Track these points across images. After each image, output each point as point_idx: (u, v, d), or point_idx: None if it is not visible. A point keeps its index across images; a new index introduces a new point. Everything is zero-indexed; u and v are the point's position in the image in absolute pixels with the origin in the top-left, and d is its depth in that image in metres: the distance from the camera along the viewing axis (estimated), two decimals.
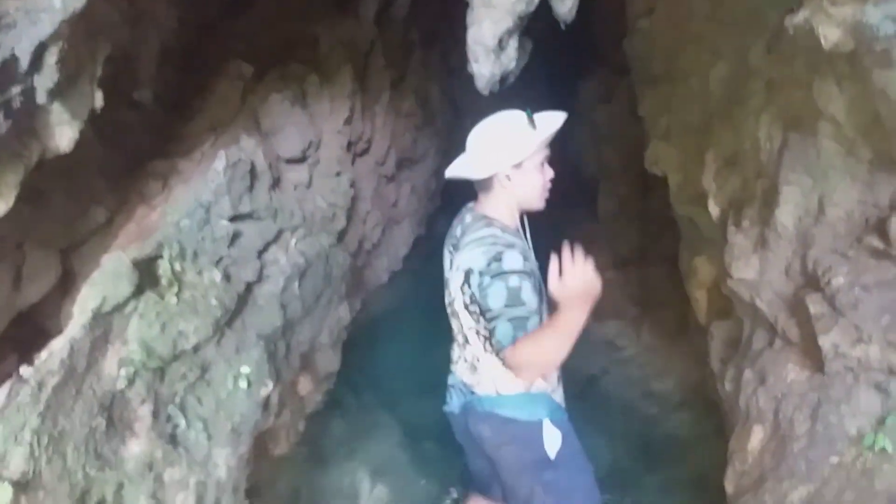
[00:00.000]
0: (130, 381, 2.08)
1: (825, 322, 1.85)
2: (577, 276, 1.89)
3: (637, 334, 3.91)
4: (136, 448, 2.09)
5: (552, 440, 2.08)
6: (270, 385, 2.61)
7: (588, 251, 5.09)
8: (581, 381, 3.68)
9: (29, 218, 2.21)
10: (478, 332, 2.06)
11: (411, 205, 4.52)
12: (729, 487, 2.11)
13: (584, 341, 4.00)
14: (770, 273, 2.12)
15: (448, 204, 5.45)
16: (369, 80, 3.51)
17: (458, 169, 2.17)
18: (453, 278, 2.09)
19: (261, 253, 2.63)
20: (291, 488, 2.78)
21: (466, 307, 2.05)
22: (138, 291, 2.08)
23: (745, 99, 2.24)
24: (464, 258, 2.01)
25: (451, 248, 2.20)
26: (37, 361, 1.83)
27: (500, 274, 1.88)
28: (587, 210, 6.13)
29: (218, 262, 2.42)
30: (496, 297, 1.87)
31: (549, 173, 2.12)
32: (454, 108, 5.13)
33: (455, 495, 3.11)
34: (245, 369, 2.55)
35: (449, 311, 2.23)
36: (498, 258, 1.90)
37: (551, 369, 2.06)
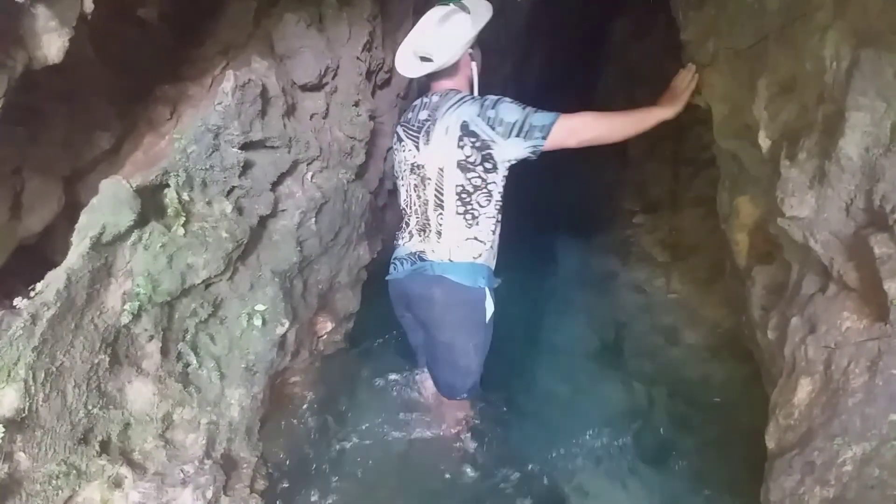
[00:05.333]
0: (136, 316, 1.97)
1: (892, 265, 1.66)
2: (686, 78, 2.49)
3: (667, 281, 3.73)
4: (143, 387, 2.00)
5: (490, 306, 2.44)
6: (286, 324, 2.51)
7: (615, 195, 4.87)
8: (608, 326, 3.54)
9: (26, 141, 2.08)
10: (461, 188, 2.30)
11: None
12: (770, 443, 1.96)
13: (612, 286, 3.92)
14: (828, 210, 1.92)
15: None
16: (392, 3, 3.28)
17: (426, 66, 2.41)
18: (442, 144, 2.28)
19: (274, 185, 2.49)
20: (308, 430, 2.69)
21: (461, 163, 2.26)
22: (142, 221, 1.95)
23: (809, 14, 2.00)
24: (453, 118, 2.24)
25: (416, 133, 2.43)
26: (32, 293, 1.72)
27: (496, 102, 2.20)
28: (616, 152, 5.90)
29: (229, 193, 2.28)
30: (511, 112, 2.18)
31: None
32: (479, 44, 4.86)
33: None
34: (260, 307, 2.45)
35: (415, 191, 2.50)
36: (485, 98, 2.22)
37: (603, 133, 2.41)
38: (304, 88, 2.65)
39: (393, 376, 2.97)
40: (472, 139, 2.22)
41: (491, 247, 2.47)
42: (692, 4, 2.85)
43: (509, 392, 2.92)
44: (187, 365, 2.21)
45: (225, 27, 2.68)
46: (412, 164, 2.50)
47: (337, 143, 2.82)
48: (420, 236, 2.53)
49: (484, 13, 2.43)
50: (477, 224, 2.39)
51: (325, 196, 2.71)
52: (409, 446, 2.60)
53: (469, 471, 2.51)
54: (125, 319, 1.93)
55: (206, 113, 2.12)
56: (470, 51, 2.43)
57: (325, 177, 2.76)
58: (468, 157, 2.25)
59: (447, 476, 2.47)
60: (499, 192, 2.40)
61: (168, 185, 2.06)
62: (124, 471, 1.86)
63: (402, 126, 2.61)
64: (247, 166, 2.31)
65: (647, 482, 2.36)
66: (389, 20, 3.25)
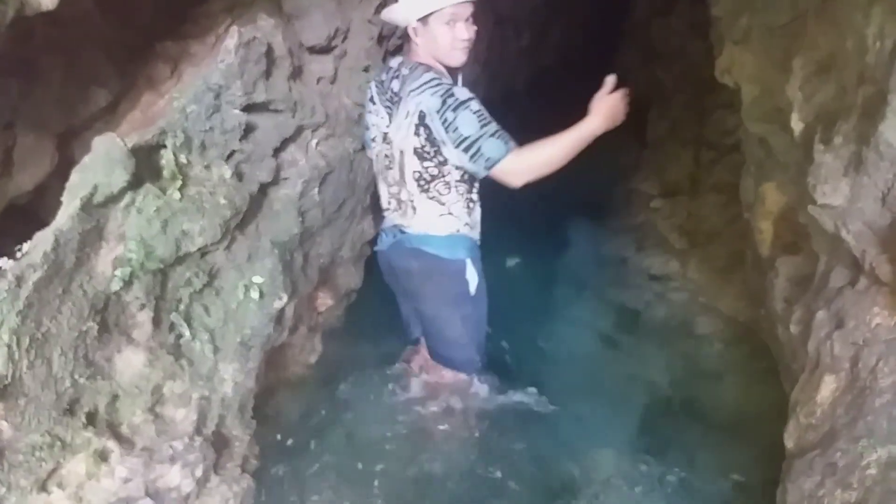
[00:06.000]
0: (127, 283, 1.88)
1: None
2: (615, 97, 2.21)
3: (684, 269, 3.61)
4: (133, 357, 1.92)
5: (473, 278, 2.37)
6: (285, 298, 2.41)
7: (633, 177, 4.71)
8: (622, 314, 3.43)
9: (18, 94, 1.98)
10: (419, 174, 2.22)
11: None
12: (789, 442, 1.86)
13: (626, 271, 3.81)
14: (863, 200, 1.79)
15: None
16: None
17: (387, 12, 2.30)
18: (402, 126, 2.18)
19: (277, 151, 2.39)
20: (303, 410, 2.61)
21: (417, 150, 2.17)
22: (136, 183, 1.85)
23: None
24: (412, 104, 2.11)
25: (389, 103, 2.30)
26: (18, 254, 1.63)
27: (460, 104, 2.03)
28: (634, 133, 5.74)
29: (228, 157, 2.18)
30: (468, 124, 2.03)
31: (462, 33, 2.17)
32: (495, 15, 4.71)
33: None
34: (257, 279, 2.35)
35: (385, 162, 2.40)
36: (450, 94, 2.05)
37: (547, 171, 2.20)
38: (312, 51, 2.54)
39: (392, 356, 2.88)
40: (427, 131, 2.12)
41: (467, 224, 2.39)
42: None
43: (514, 378, 2.83)
44: (180, 336, 2.12)
45: None
46: (384, 133, 2.39)
47: (345, 110, 2.71)
48: (398, 209, 2.45)
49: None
50: (444, 206, 2.31)
51: (330, 165, 2.61)
52: (408, 430, 2.51)
53: (468, 456, 2.42)
54: (116, 286, 1.84)
55: (207, 71, 2.01)
56: (415, 26, 2.18)
57: (331, 145, 2.65)
58: (423, 146, 2.16)
59: (444, 461, 2.39)
60: (457, 181, 2.29)
61: (165, 146, 1.96)
62: (111, 444, 1.78)
63: (376, 85, 2.44)
64: (248, 129, 2.21)
65: (655, 475, 2.26)
66: None
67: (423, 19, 2.13)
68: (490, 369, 2.75)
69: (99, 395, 1.81)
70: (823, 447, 1.69)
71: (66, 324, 1.70)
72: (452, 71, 2.30)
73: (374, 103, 2.44)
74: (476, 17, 2.25)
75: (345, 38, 2.62)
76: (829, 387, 1.79)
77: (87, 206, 1.71)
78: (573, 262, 3.93)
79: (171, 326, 2.09)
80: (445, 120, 2.04)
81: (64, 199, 1.73)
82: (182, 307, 2.13)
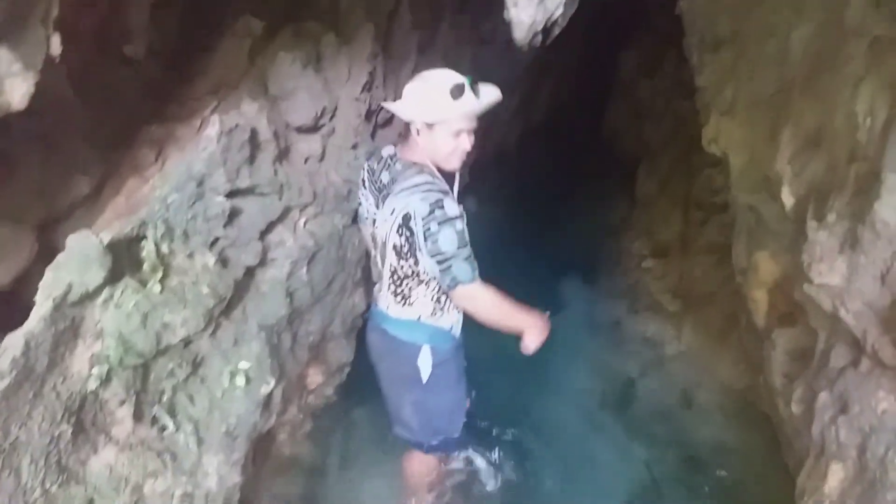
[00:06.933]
0: (105, 381, 1.80)
1: None
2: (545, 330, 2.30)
3: (678, 333, 3.55)
4: (111, 456, 1.83)
5: (425, 365, 2.29)
6: (272, 382, 2.34)
7: (624, 236, 4.65)
8: (617, 382, 3.35)
9: None
10: (394, 269, 2.22)
11: None
12: None
13: (620, 336, 3.75)
14: (861, 279, 1.76)
15: (476, 179, 5.14)
16: (393, 42, 3.17)
17: (392, 105, 2.28)
18: (387, 220, 2.17)
19: (263, 234, 2.34)
20: (295, 494, 2.51)
21: (396, 248, 2.16)
22: (114, 278, 1.79)
23: (839, 65, 1.86)
24: (400, 203, 2.09)
25: (377, 192, 2.29)
26: None
27: (446, 220, 2.02)
28: (624, 191, 5.77)
29: (212, 244, 2.13)
30: (448, 242, 2.03)
31: (465, 144, 2.18)
32: (484, 80, 4.76)
33: None
34: (244, 364, 2.28)
35: (373, 243, 2.37)
36: (440, 205, 2.02)
37: (481, 320, 2.20)
38: (300, 130, 2.52)
39: (386, 433, 2.78)
40: (409, 233, 2.09)
41: (434, 313, 2.31)
42: (708, 46, 2.73)
43: (508, 451, 2.74)
44: (163, 429, 2.04)
45: (217, 64, 2.55)
46: (373, 219, 2.35)
47: (333, 187, 2.68)
48: (378, 286, 2.42)
49: (468, 104, 2.11)
50: (411, 298, 2.26)
51: (319, 244, 2.56)
52: None
53: None
54: (93, 385, 1.77)
55: (189, 159, 1.98)
56: (420, 127, 2.16)
57: (320, 223, 2.61)
58: (402, 246, 2.14)
59: None
60: (432, 278, 2.22)
61: (145, 237, 1.91)
62: None
63: (368, 171, 2.40)
64: (233, 214, 2.17)
65: None
66: (392, 58, 3.14)
67: (431, 125, 2.13)
68: (479, 443, 2.66)
69: (73, 502, 1.72)
70: None
71: (38, 429, 1.62)
72: (448, 174, 2.27)
73: (364, 187, 2.41)
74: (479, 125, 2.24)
75: (332, 117, 2.61)
76: (836, 476, 1.72)
77: (61, 307, 1.65)
78: (567, 326, 3.85)
79: (154, 420, 2.01)
80: (429, 229, 2.02)
81: (37, 298, 1.67)
82: (165, 399, 2.05)
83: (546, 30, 1.92)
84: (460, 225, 2.05)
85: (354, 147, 2.72)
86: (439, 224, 2.01)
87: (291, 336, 2.57)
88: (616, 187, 5.91)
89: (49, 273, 1.67)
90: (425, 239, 2.03)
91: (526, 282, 4.26)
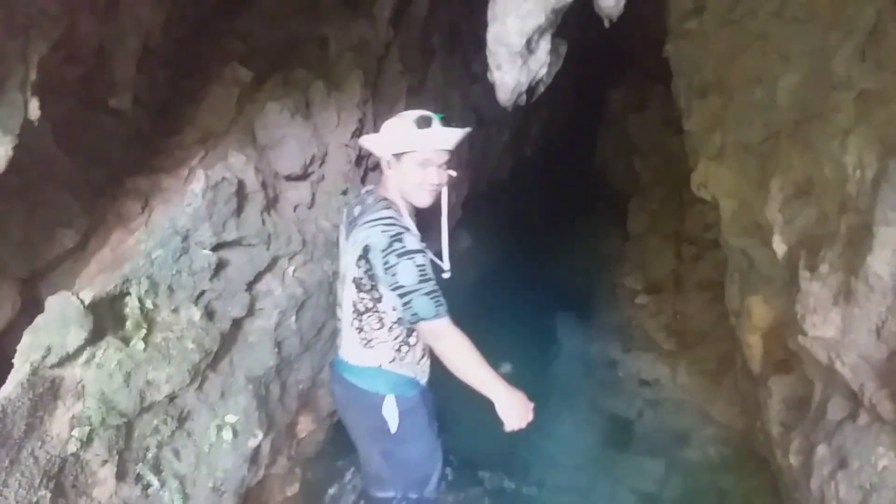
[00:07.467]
0: (86, 442, 1.75)
1: None
2: (527, 406, 2.10)
3: (673, 373, 3.52)
4: None
5: (391, 415, 2.20)
6: (260, 435, 2.29)
7: (616, 271, 4.57)
8: (613, 424, 3.31)
9: None
10: (354, 304, 2.17)
11: (430, 220, 4.17)
12: None
13: (615, 376, 3.71)
14: (856, 332, 1.74)
15: (471, 216, 5.14)
16: (383, 86, 3.18)
17: (364, 139, 2.27)
18: (348, 252, 2.15)
19: (251, 284, 2.31)
20: None
21: (356, 280, 2.13)
22: (96, 337, 1.75)
23: (827, 115, 1.87)
24: (362, 235, 2.08)
25: (348, 225, 2.25)
26: None
27: (406, 253, 1.99)
28: (615, 224, 5.77)
29: (198, 298, 2.09)
30: (408, 275, 1.99)
31: (432, 177, 2.15)
32: (477, 118, 4.78)
33: None
34: (231, 418, 2.23)
35: (338, 280, 2.31)
36: (399, 238, 2.01)
37: (448, 365, 2.10)
38: (289, 179, 2.51)
39: None
40: (368, 266, 2.06)
41: (395, 360, 2.21)
42: (695, 92, 2.74)
43: (501, 497, 2.68)
44: (147, 486, 1.98)
45: (205, 113, 2.54)
46: (339, 253, 2.31)
47: (323, 233, 2.66)
48: (339, 334, 2.33)
49: (432, 136, 2.10)
50: (371, 340, 2.17)
51: (308, 291, 2.53)
52: None
53: None
54: (73, 447, 1.72)
55: (174, 214, 1.95)
56: (389, 159, 2.13)
57: (309, 270, 2.58)
58: (361, 278, 2.10)
59: None
60: (393, 322, 2.17)
61: (129, 294, 1.88)
62: None
63: (347, 206, 2.38)
64: (220, 267, 2.14)
65: None
66: (382, 102, 3.14)
67: (398, 155, 2.11)
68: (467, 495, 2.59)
69: None
70: None
71: (14, 497, 1.56)
72: (419, 211, 2.25)
73: (342, 222, 2.36)
74: (451, 164, 2.19)
75: (322, 163, 2.60)
76: None
77: (40, 370, 1.61)
78: (562, 367, 3.84)
79: (138, 477, 1.96)
80: (387, 262, 1.99)
81: (15, 361, 1.63)
82: (150, 456, 1.99)
83: (531, 89, 1.91)
84: (421, 259, 2.02)
85: (344, 193, 2.71)
86: (398, 257, 1.98)
87: (280, 385, 2.53)
88: (607, 220, 5.92)
89: (27, 336, 1.63)
90: (385, 272, 2.01)
91: (520, 316, 4.27)
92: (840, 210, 1.81)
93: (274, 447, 2.51)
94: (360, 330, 2.18)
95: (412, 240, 2.03)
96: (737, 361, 3.06)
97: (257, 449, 2.33)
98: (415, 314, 2.00)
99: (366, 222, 2.08)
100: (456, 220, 4.83)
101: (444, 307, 2.03)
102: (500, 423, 2.04)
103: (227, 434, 2.21)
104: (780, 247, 2.08)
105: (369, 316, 2.15)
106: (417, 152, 2.09)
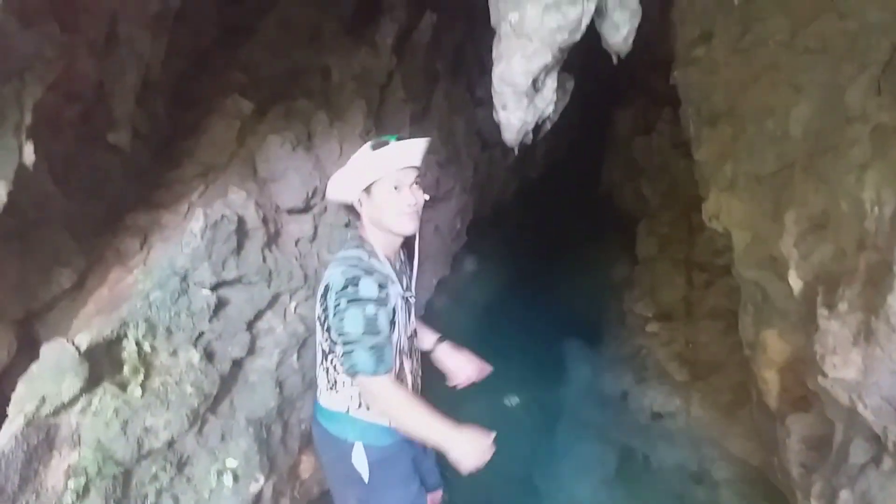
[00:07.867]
0: (82, 494, 1.70)
1: None
2: (486, 444, 1.89)
3: (687, 405, 3.43)
4: None
5: (360, 464, 2.07)
6: (261, 480, 2.24)
7: (625, 296, 4.43)
8: (628, 458, 3.23)
9: None
10: (320, 343, 2.08)
11: (434, 246, 4.12)
12: None
13: (627, 408, 3.62)
14: (878, 373, 1.67)
15: (474, 241, 5.08)
16: (386, 115, 3.15)
17: (332, 194, 2.13)
18: (318, 291, 2.05)
19: (252, 323, 2.26)
20: None
21: (319, 318, 2.02)
22: (92, 384, 1.71)
23: (842, 148, 1.81)
24: (327, 273, 1.99)
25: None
26: None
27: (357, 300, 1.89)
28: (624, 248, 5.70)
29: (197, 339, 2.05)
30: (353, 323, 1.88)
31: (408, 198, 1.99)
32: (481, 142, 4.74)
33: None
34: (231, 462, 2.18)
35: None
36: (355, 283, 1.90)
37: (390, 419, 2.02)
38: (290, 212, 2.47)
39: None
40: (323, 305, 1.96)
41: (363, 407, 2.06)
42: (705, 120, 2.69)
43: None
44: None
45: (205, 146, 2.52)
46: None
47: (325, 266, 2.60)
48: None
49: (393, 155, 1.96)
50: (334, 382, 2.05)
51: (310, 328, 2.48)
52: None
53: None
54: (69, 499, 1.66)
55: (172, 254, 1.91)
56: (360, 197, 2.00)
57: (311, 305, 2.52)
58: (321, 316, 2.00)
59: None
60: None
61: (126, 337, 1.83)
62: None
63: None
64: (219, 306, 2.09)
65: None
66: (385, 131, 3.10)
67: (367, 189, 1.99)
68: None
69: None
70: None
71: None
72: (407, 241, 2.12)
73: None
74: (422, 183, 2.05)
75: (324, 195, 2.55)
76: None
77: (34, 421, 1.56)
78: (573, 399, 3.75)
79: None
80: (338, 305, 1.88)
81: (10, 411, 1.58)
82: (148, 503, 1.94)
83: (537, 127, 1.86)
84: (372, 310, 1.89)
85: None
86: (348, 302, 1.87)
87: (282, 426, 2.46)
88: (615, 244, 5.84)
89: (21, 385, 1.59)
90: (333, 314, 1.89)
91: (527, 344, 4.19)
92: (858, 247, 1.75)
93: (276, 490, 2.44)
94: (327, 371, 2.08)
95: (370, 286, 1.91)
96: (752, 394, 2.97)
97: (259, 494, 2.27)
98: (353, 366, 1.89)
99: (334, 260, 2.01)
100: (460, 244, 4.78)
101: (384, 365, 1.90)
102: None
103: (228, 479, 2.15)
104: (796, 282, 2.02)
105: (333, 357, 2.04)
106: (384, 179, 1.96)
